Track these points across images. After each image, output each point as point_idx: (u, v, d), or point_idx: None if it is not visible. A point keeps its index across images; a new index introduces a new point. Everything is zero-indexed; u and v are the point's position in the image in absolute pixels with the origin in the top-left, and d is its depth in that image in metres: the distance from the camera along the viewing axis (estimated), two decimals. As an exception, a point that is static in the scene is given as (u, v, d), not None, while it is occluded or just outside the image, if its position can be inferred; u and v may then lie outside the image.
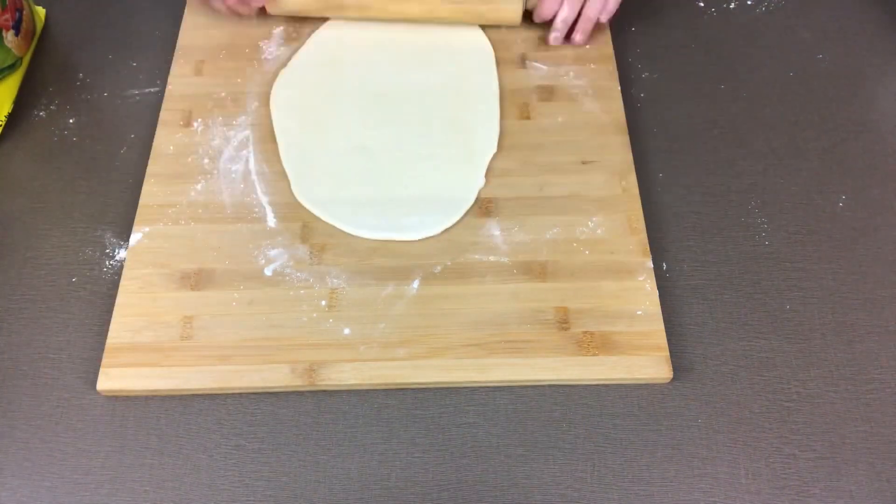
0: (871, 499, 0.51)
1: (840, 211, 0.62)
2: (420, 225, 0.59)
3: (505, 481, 0.51)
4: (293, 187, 0.62)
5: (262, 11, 0.71)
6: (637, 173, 0.63)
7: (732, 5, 0.75)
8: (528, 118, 0.66)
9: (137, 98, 0.70)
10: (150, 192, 0.63)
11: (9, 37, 0.67)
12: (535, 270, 0.58)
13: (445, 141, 0.64)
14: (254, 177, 0.64)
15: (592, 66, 0.70)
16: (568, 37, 0.70)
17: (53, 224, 0.63)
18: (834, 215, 0.62)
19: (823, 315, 0.57)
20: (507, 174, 0.63)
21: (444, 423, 0.54)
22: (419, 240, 0.60)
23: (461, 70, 0.69)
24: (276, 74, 0.70)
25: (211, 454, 0.53)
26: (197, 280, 0.58)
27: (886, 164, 0.65)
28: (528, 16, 0.71)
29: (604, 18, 0.69)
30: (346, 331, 0.56)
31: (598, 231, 0.60)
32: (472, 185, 0.62)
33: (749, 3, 0.76)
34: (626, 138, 0.65)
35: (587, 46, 0.71)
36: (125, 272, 0.59)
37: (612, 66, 0.69)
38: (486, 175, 0.63)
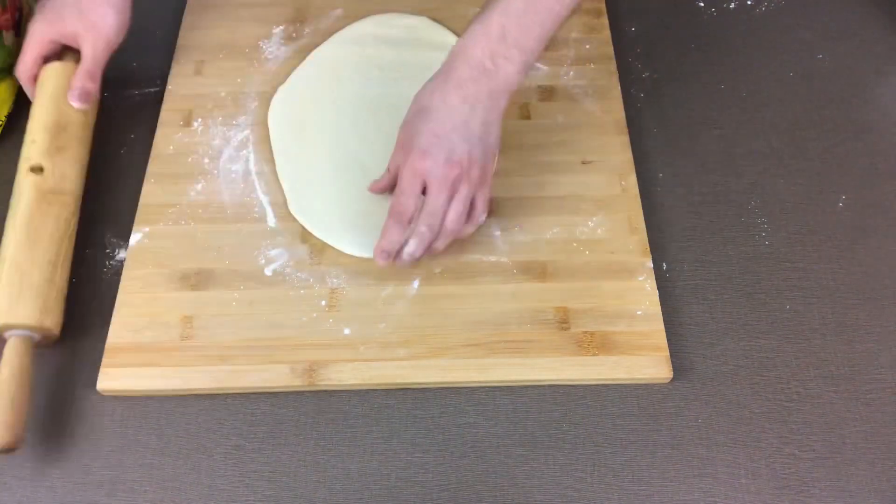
0: (871, 499, 0.50)
1: (840, 211, 0.62)
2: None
3: (505, 481, 0.51)
4: (289, 205, 0.62)
5: None
6: (637, 173, 0.63)
7: (732, 5, 0.75)
8: (528, 118, 0.66)
9: (137, 98, 0.70)
10: (150, 192, 0.63)
11: (9, 37, 0.67)
12: (535, 270, 0.58)
13: None
14: (254, 177, 0.64)
15: (592, 66, 0.69)
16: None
17: (53, 224, 0.63)
18: (834, 215, 0.62)
19: (823, 315, 0.57)
20: (507, 174, 0.63)
21: (444, 423, 0.54)
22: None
23: None
24: (276, 74, 0.70)
25: (211, 454, 0.53)
26: (197, 280, 0.58)
27: (886, 164, 0.65)
28: None
29: (469, 231, 0.57)
30: (346, 331, 0.56)
31: (598, 231, 0.60)
32: None
33: (749, 3, 0.76)
34: (626, 138, 0.65)
35: (588, 46, 0.71)
36: (125, 272, 0.59)
37: (612, 66, 0.69)
38: None
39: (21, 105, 0.68)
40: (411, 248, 0.54)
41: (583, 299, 0.57)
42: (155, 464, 0.52)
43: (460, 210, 0.54)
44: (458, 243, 0.59)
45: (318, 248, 0.60)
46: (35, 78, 0.63)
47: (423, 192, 0.54)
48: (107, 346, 0.55)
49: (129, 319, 0.57)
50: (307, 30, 0.73)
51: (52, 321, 0.54)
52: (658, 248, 0.60)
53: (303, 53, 0.71)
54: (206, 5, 0.75)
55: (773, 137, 0.66)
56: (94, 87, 0.62)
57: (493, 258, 0.59)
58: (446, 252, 0.58)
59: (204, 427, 0.54)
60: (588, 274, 0.58)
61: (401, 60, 0.69)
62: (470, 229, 0.57)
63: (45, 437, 0.54)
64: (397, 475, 0.52)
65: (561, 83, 0.69)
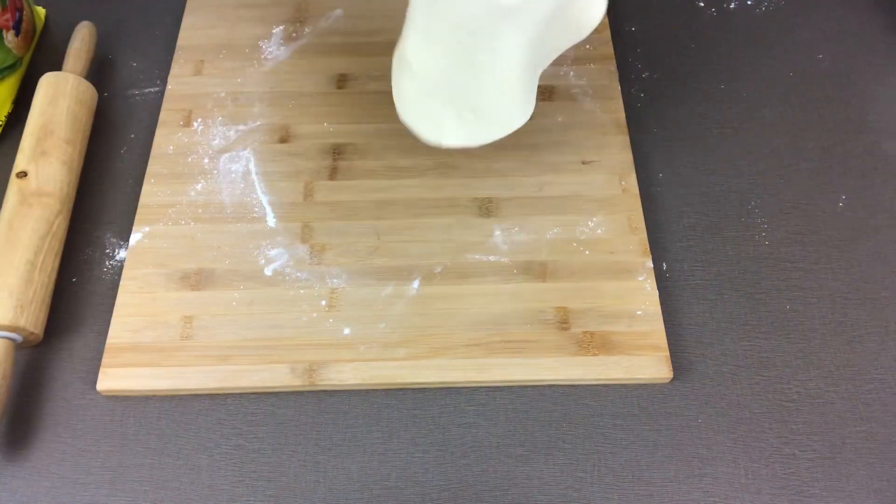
0: (871, 499, 0.51)
1: (840, 211, 0.62)
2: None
3: (505, 481, 0.51)
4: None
5: None
6: (637, 173, 0.63)
7: (732, 5, 0.75)
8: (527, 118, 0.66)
9: (137, 98, 0.70)
10: (150, 192, 0.63)
11: (9, 37, 0.67)
12: (535, 270, 0.58)
13: None
14: (254, 177, 0.64)
15: (592, 66, 0.69)
16: None
17: (53, 224, 0.63)
18: (834, 215, 0.62)
19: (823, 315, 0.57)
20: (507, 174, 0.63)
21: (444, 423, 0.54)
22: (420, 240, 0.60)
23: None
24: (276, 74, 0.70)
25: (211, 454, 0.53)
26: (197, 280, 0.58)
27: (886, 164, 0.65)
28: None
29: None
30: (346, 331, 0.56)
31: (598, 231, 0.60)
32: None
33: (749, 3, 0.76)
34: (626, 138, 0.65)
35: (588, 46, 0.70)
36: (125, 272, 0.59)
37: (612, 66, 0.69)
38: (487, 175, 0.63)
39: (21, 105, 0.68)
40: None
41: (583, 299, 0.57)
42: (155, 464, 0.52)
43: None
44: (459, 243, 0.59)
45: (318, 248, 0.60)
46: None
47: None
48: (107, 346, 0.55)
49: (128, 319, 0.57)
50: (307, 30, 0.73)
51: (28, 320, 0.54)
52: (658, 248, 0.60)
53: (303, 53, 0.71)
54: (206, 5, 0.75)
55: (773, 137, 0.66)
56: None
57: (493, 258, 0.59)
58: (446, 252, 0.58)
59: (204, 427, 0.54)
60: (588, 274, 0.58)
61: None
62: None
63: (45, 437, 0.54)
64: (397, 475, 0.52)
65: (561, 83, 0.69)
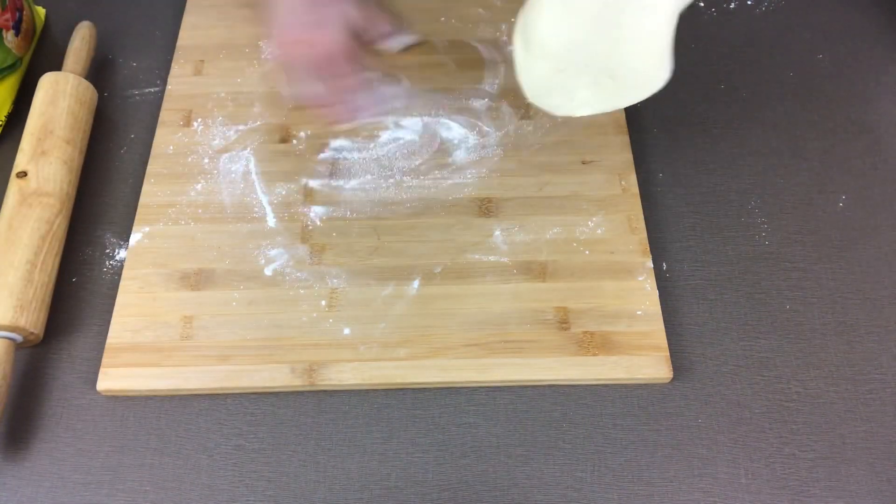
0: (871, 499, 0.51)
1: (840, 211, 0.62)
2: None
3: (505, 481, 0.51)
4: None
5: None
6: (637, 173, 0.63)
7: (732, 5, 0.75)
8: (528, 118, 0.66)
9: (137, 98, 0.70)
10: (150, 192, 0.63)
11: (9, 37, 0.67)
12: (535, 270, 0.58)
13: None
14: (254, 177, 0.64)
15: (592, 66, 0.69)
16: None
17: (53, 224, 0.63)
18: (834, 215, 0.62)
19: (823, 315, 0.57)
20: (508, 174, 0.63)
21: (444, 423, 0.54)
22: (420, 240, 0.60)
23: None
24: (275, 74, 0.70)
25: (211, 454, 0.53)
26: (197, 280, 0.58)
27: (886, 164, 0.65)
28: None
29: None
30: (346, 331, 0.56)
31: (598, 231, 0.60)
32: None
33: (749, 3, 0.76)
34: (626, 138, 0.65)
35: None
36: (125, 272, 0.59)
37: (612, 66, 0.69)
38: (487, 175, 0.63)
39: (21, 105, 0.68)
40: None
41: (583, 299, 0.57)
42: (155, 464, 0.52)
43: None
44: (459, 243, 0.59)
45: (318, 248, 0.60)
46: None
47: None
48: (107, 346, 0.55)
49: (128, 319, 0.57)
50: (307, 30, 0.73)
51: (28, 320, 0.54)
52: (658, 248, 0.60)
53: (303, 53, 0.71)
54: (206, 5, 0.75)
55: (773, 137, 0.66)
56: None
57: (493, 258, 0.59)
58: (446, 252, 0.59)
59: (204, 427, 0.54)
60: (588, 274, 0.58)
61: None
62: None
63: (45, 437, 0.54)
64: (397, 475, 0.52)
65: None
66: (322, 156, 0.65)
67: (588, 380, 0.54)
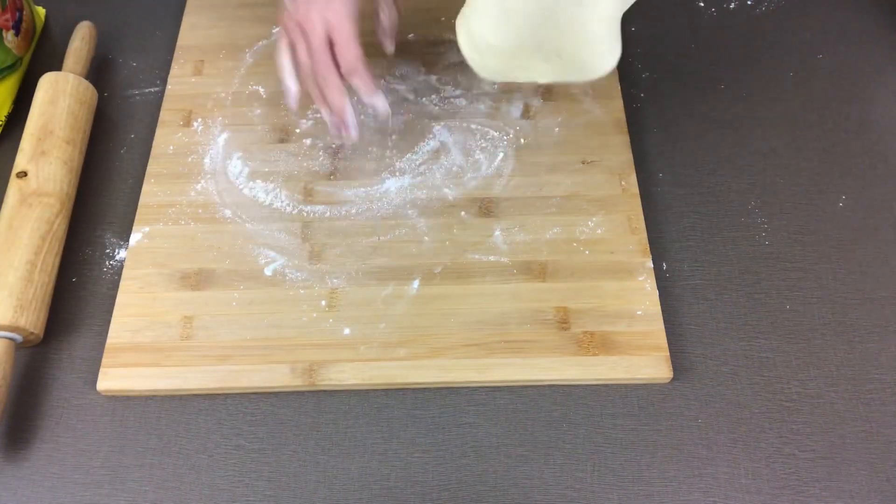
0: (871, 499, 0.51)
1: (840, 211, 0.62)
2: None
3: (505, 481, 0.51)
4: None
5: None
6: (637, 173, 0.63)
7: (732, 5, 0.75)
8: (528, 118, 0.66)
9: (137, 98, 0.70)
10: (150, 192, 0.63)
11: (9, 37, 0.67)
12: (535, 270, 0.58)
13: None
14: (254, 177, 0.64)
15: (592, 66, 0.69)
16: None
17: (53, 224, 0.63)
18: (834, 215, 0.62)
19: (823, 315, 0.57)
20: (508, 174, 0.63)
21: (444, 423, 0.54)
22: (420, 240, 0.60)
23: None
24: (275, 74, 0.70)
25: (211, 454, 0.53)
26: (197, 280, 0.58)
27: (886, 164, 0.65)
28: None
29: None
30: (346, 331, 0.56)
31: (598, 231, 0.60)
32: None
33: (749, 3, 0.76)
34: (626, 138, 0.65)
35: None
36: (125, 272, 0.59)
37: (612, 66, 0.69)
38: (487, 175, 0.63)
39: (21, 105, 0.68)
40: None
41: (583, 299, 0.57)
42: (155, 464, 0.52)
43: None
44: (459, 243, 0.59)
45: (318, 248, 0.60)
46: None
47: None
48: (107, 346, 0.56)
49: (128, 319, 0.57)
50: (307, 30, 0.73)
51: (28, 320, 0.54)
52: (658, 248, 0.60)
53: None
54: (206, 5, 0.75)
55: (773, 137, 0.66)
56: None
57: (493, 258, 0.59)
58: (446, 252, 0.59)
59: (204, 427, 0.54)
60: (588, 274, 0.58)
61: None
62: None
63: (45, 437, 0.54)
64: (397, 475, 0.52)
65: (561, 83, 0.68)
66: (322, 156, 0.65)
67: (588, 380, 0.54)
